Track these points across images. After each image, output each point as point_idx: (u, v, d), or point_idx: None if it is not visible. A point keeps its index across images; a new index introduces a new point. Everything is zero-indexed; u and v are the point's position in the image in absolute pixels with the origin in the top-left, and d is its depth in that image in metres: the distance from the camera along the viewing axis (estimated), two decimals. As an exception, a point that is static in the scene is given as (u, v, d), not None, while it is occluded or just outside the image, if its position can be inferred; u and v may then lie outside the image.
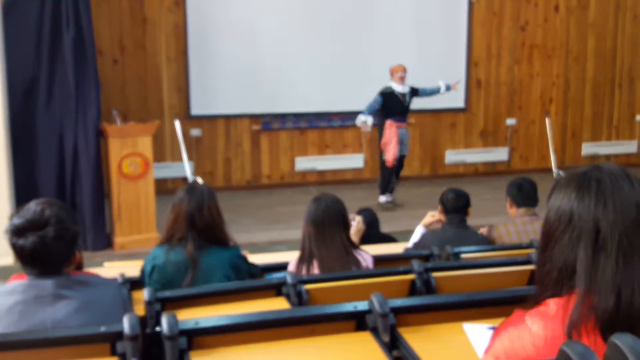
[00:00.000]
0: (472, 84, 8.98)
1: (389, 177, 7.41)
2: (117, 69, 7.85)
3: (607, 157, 9.43)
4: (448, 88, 7.50)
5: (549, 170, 7.95)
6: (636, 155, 9.61)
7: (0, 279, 5.00)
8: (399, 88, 7.18)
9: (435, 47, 8.66)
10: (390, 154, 7.22)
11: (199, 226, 2.89)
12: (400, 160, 7.39)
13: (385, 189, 7.42)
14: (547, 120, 8.10)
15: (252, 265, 3.11)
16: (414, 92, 7.31)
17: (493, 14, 8.90)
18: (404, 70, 7.19)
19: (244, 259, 3.06)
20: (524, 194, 3.99)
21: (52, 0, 5.91)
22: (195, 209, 2.89)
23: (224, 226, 2.99)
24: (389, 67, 7.28)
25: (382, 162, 7.34)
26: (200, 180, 6.57)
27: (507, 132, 9.18)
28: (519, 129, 9.23)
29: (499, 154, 9.20)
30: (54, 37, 5.95)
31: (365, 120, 7.18)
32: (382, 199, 7.43)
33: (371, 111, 7.19)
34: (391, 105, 7.19)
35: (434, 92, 7.51)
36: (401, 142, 7.26)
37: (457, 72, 8.81)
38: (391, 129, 7.21)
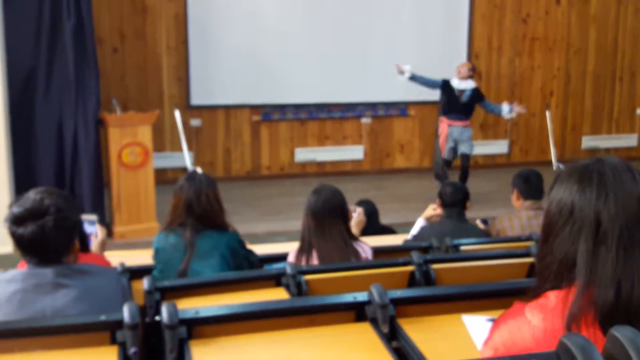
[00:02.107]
0: (473, 76, 8.95)
1: (440, 166, 7.37)
2: (117, 57, 7.83)
3: (607, 150, 9.43)
4: (510, 111, 7.21)
5: (549, 163, 7.94)
6: (636, 149, 9.62)
7: (0, 267, 5.01)
8: (455, 82, 7.08)
9: (436, 38, 8.64)
10: (442, 148, 7.26)
11: (196, 212, 3.01)
12: (462, 160, 7.19)
13: (439, 178, 7.36)
14: (547, 113, 8.09)
15: (250, 252, 3.17)
16: (479, 95, 7.12)
17: (494, 6, 8.88)
18: (469, 67, 7.08)
19: (242, 243, 3.13)
20: (531, 187, 3.99)
21: (51, -12, 5.90)
22: (194, 196, 3.01)
23: (222, 213, 3.09)
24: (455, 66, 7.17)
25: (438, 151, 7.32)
26: (200, 171, 6.57)
27: (507, 125, 9.17)
28: (519, 121, 9.21)
29: (499, 147, 9.20)
30: (54, 25, 5.93)
31: (407, 69, 7.01)
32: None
33: (423, 79, 7.09)
34: (449, 99, 7.12)
35: (496, 112, 7.32)
36: (452, 142, 7.14)
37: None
38: (442, 125, 7.23)
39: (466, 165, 7.23)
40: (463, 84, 7.08)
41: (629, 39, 9.41)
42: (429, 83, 7.15)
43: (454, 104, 7.11)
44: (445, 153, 7.23)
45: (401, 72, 7.00)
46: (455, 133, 7.15)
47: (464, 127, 7.16)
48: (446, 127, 7.18)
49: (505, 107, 7.24)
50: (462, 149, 7.15)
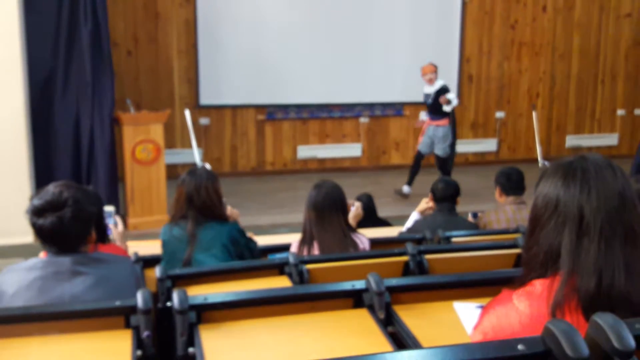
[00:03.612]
0: (464, 78, 8.95)
1: (412, 165, 7.38)
2: (131, 60, 7.82)
3: (590, 148, 9.41)
4: (447, 104, 7.02)
5: (535, 160, 7.95)
6: (617, 147, 9.61)
7: (22, 256, 5.02)
8: (426, 88, 7.12)
9: (430, 43, 8.61)
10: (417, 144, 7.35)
11: (197, 205, 3.01)
12: (435, 160, 7.24)
13: (409, 179, 7.37)
14: (534, 114, 8.09)
15: (250, 240, 3.17)
16: (443, 92, 7.01)
17: (485, 13, 8.86)
18: (431, 71, 7.04)
19: (242, 233, 3.12)
20: (513, 183, 3.99)
21: (70, -7, 5.89)
22: (194, 190, 3.01)
23: (221, 205, 3.09)
24: (420, 67, 7.15)
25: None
26: (208, 166, 6.57)
27: (496, 125, 9.17)
28: (507, 121, 9.21)
29: (488, 145, 9.20)
30: (72, 29, 5.92)
31: (452, 98, 7.01)
32: (405, 189, 7.36)
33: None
34: (424, 103, 7.23)
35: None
36: (430, 139, 7.17)
37: (450, 68, 8.79)
38: (425, 123, 7.31)
39: (439, 165, 7.25)
40: (430, 89, 7.08)
41: (610, 44, 9.39)
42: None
43: (427, 107, 7.21)
44: (421, 146, 7.27)
45: (447, 103, 6.93)
46: (431, 131, 7.19)
47: (437, 127, 7.14)
48: (426, 125, 7.27)
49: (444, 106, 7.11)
50: (436, 150, 7.20)
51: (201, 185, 3.00)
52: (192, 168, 3.14)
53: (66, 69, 5.97)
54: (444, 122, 7.09)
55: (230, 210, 3.45)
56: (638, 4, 9.05)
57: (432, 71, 7.05)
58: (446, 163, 7.25)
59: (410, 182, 7.36)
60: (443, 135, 7.10)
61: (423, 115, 7.43)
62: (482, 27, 8.88)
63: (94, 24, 5.93)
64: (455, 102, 7.02)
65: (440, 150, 7.15)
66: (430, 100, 7.08)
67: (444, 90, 7.01)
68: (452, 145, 7.27)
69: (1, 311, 1.90)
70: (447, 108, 7.01)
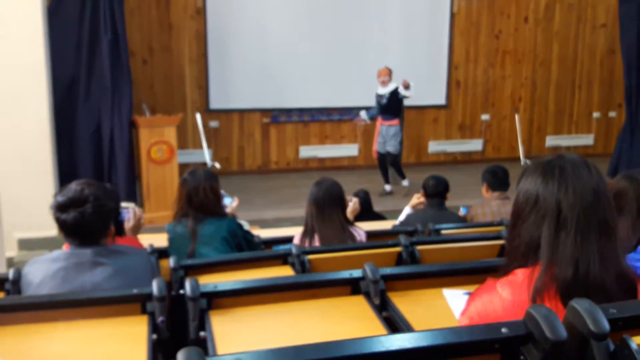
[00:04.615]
0: (452, 84, 8.93)
1: (379, 167, 7.36)
2: (146, 68, 7.81)
3: (568, 148, 9.40)
4: (405, 89, 6.94)
5: (518, 159, 7.93)
6: (593, 147, 9.59)
7: (46, 248, 5.03)
8: (379, 90, 7.12)
9: (421, 52, 8.61)
10: (373, 146, 7.30)
11: (196, 204, 2.99)
12: (387, 157, 7.19)
13: (385, 179, 7.35)
14: (516, 116, 8.07)
15: (248, 233, 3.15)
16: (396, 94, 7.01)
17: (471, 24, 8.84)
18: (386, 74, 7.03)
19: (240, 226, 3.11)
20: (498, 180, 3.98)
21: (91, 7, 5.88)
22: (193, 190, 2.99)
23: (219, 203, 3.06)
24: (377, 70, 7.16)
25: None
26: (218, 165, 6.57)
27: (482, 126, 9.16)
28: (492, 123, 9.20)
29: (475, 145, 9.18)
30: (93, 39, 5.92)
31: (363, 117, 7.30)
32: (387, 187, 7.34)
33: (372, 114, 7.28)
34: (376, 104, 7.20)
35: (400, 95, 7.08)
36: (383, 138, 7.15)
37: (440, 74, 8.79)
38: (376, 125, 7.27)
39: (391, 161, 7.20)
40: (384, 90, 7.06)
41: (587, 52, 9.37)
42: (375, 108, 7.24)
43: (379, 107, 7.16)
44: (378, 147, 7.23)
45: (407, 87, 6.94)
46: (383, 130, 7.17)
47: (389, 126, 7.12)
48: (378, 126, 7.24)
49: (400, 89, 6.98)
50: (387, 147, 7.15)
51: (199, 186, 2.98)
52: (192, 169, 3.12)
53: (88, 76, 5.97)
54: (395, 122, 7.10)
55: (231, 207, 3.46)
56: (612, 16, 9.02)
57: (386, 74, 7.05)
58: (398, 159, 7.25)
59: (387, 181, 7.36)
60: (394, 134, 7.11)
61: (363, 115, 7.32)
62: (469, 36, 8.87)
63: (114, 34, 5.93)
64: (412, 91, 6.96)
65: (391, 147, 7.14)
66: (384, 101, 7.05)
67: (398, 91, 6.99)
68: (401, 143, 7.29)
69: (28, 299, 1.91)
70: (405, 92, 6.94)
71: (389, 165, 7.31)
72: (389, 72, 7.07)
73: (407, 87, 6.94)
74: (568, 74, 9.35)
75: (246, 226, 3.38)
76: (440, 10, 8.65)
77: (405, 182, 7.38)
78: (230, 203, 3.51)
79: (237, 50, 8.01)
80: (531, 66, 9.19)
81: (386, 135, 7.14)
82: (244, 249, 3.06)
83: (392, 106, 7.06)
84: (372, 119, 7.40)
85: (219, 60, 7.99)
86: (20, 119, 5.36)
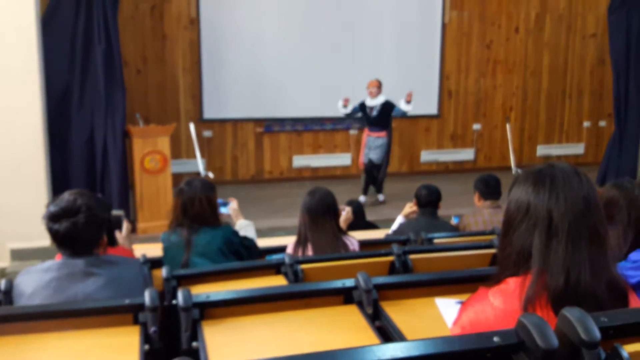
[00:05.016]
0: (444, 94, 8.98)
1: (363, 178, 7.27)
2: (140, 78, 7.81)
3: (559, 157, 9.45)
4: (407, 102, 7.00)
5: (509, 168, 7.97)
6: (583, 156, 9.65)
7: (39, 258, 4.99)
8: (367, 101, 7.05)
9: (413, 61, 8.65)
10: (360, 158, 7.24)
11: (191, 214, 2.96)
12: (375, 167, 7.11)
13: (363, 190, 7.26)
14: (507, 126, 8.12)
15: (244, 238, 3.12)
16: (387, 107, 7.00)
17: (463, 34, 8.90)
18: (375, 85, 7.00)
19: (236, 233, 3.08)
20: (490, 189, 3.99)
21: (85, 16, 5.87)
22: (188, 201, 2.96)
23: (215, 214, 3.03)
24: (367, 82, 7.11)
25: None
26: (211, 175, 6.56)
27: (474, 136, 9.20)
28: (483, 133, 9.24)
29: (467, 154, 9.22)
30: (87, 48, 5.91)
31: (342, 104, 7.11)
32: (361, 198, 7.25)
33: (351, 110, 7.13)
34: (364, 116, 7.14)
35: (402, 114, 7.14)
36: (369, 149, 7.09)
37: (431, 84, 8.83)
38: (363, 135, 7.22)
39: (369, 168, 7.12)
40: (374, 102, 7.01)
41: (577, 62, 9.44)
42: (355, 110, 7.13)
43: (368, 119, 7.09)
44: (364, 158, 7.14)
45: (345, 106, 7.04)
46: (371, 142, 7.10)
47: (377, 137, 7.07)
48: (365, 137, 7.17)
49: (402, 103, 7.01)
50: (371, 155, 7.09)
51: (195, 197, 2.95)
52: (189, 179, 3.09)
53: (82, 85, 5.95)
54: (383, 134, 7.07)
55: (233, 210, 3.47)
56: (602, 26, 9.11)
57: (376, 85, 7.01)
58: (378, 169, 7.14)
59: (380, 190, 7.33)
60: (380, 145, 7.06)
61: (340, 104, 7.13)
62: (461, 46, 8.92)
63: (107, 44, 5.92)
64: (412, 105, 7.01)
65: (374, 155, 7.07)
66: (375, 113, 7.00)
67: (389, 104, 6.99)
68: (388, 156, 7.21)
69: (20, 309, 1.89)
70: (407, 107, 6.95)
71: (364, 172, 7.19)
72: (379, 85, 7.04)
73: (409, 101, 6.94)
74: (558, 83, 9.42)
75: (250, 231, 3.37)
76: (432, 20, 8.70)
77: (380, 197, 7.33)
78: (227, 212, 3.51)
79: (231, 60, 8.03)
80: (522, 76, 9.25)
81: (372, 146, 7.08)
82: (243, 254, 3.04)
83: (382, 118, 7.03)
84: (349, 115, 7.23)
85: (212, 70, 8.00)
86: (14, 129, 5.34)
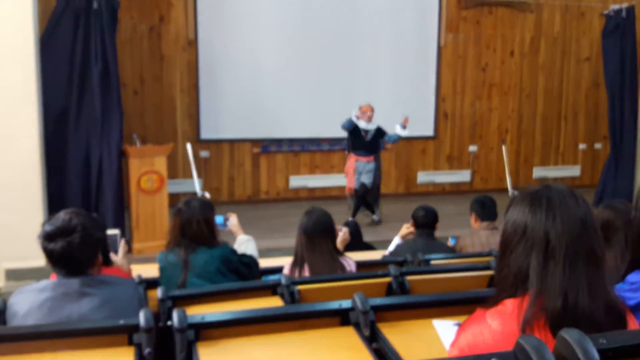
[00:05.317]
0: (440, 115, 9.03)
1: (353, 203, 7.19)
2: (137, 98, 7.84)
3: (554, 179, 9.47)
4: (403, 127, 7.06)
5: (505, 190, 7.97)
6: (579, 178, 9.68)
7: (34, 279, 4.95)
8: (362, 124, 6.96)
9: (409, 84, 8.72)
10: (348, 184, 7.16)
11: (189, 235, 2.94)
12: (360, 187, 7.01)
13: (353, 214, 7.13)
14: (503, 148, 8.15)
15: (243, 256, 3.10)
16: (380, 133, 7.01)
17: (458, 57, 8.98)
18: (371, 110, 6.97)
19: (234, 252, 3.06)
20: (487, 210, 3.99)
21: (83, 38, 5.91)
22: (186, 222, 2.95)
23: (213, 235, 3.01)
24: (359, 105, 7.05)
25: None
26: (207, 195, 6.55)
27: (470, 157, 9.23)
28: (479, 154, 9.28)
29: (463, 176, 9.24)
30: (84, 69, 5.93)
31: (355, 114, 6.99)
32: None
33: (350, 124, 6.99)
34: (354, 139, 7.04)
35: (397, 138, 7.14)
36: (359, 173, 7.01)
37: (428, 106, 8.89)
38: (350, 161, 7.12)
39: (361, 192, 7.05)
40: (369, 126, 6.98)
41: (572, 85, 9.53)
42: (349, 127, 7.02)
43: (360, 143, 7.01)
44: (355, 184, 7.05)
45: (358, 118, 6.94)
46: (361, 167, 7.02)
47: (367, 162, 7.03)
48: (354, 163, 7.06)
49: (397, 128, 7.03)
50: (362, 178, 7.01)
51: (193, 218, 2.94)
52: (188, 198, 3.08)
53: (78, 106, 5.96)
54: (372, 158, 7.03)
55: (232, 226, 3.45)
56: (596, 49, 9.21)
57: (372, 110, 6.99)
58: (369, 193, 7.09)
59: (373, 211, 7.27)
60: (371, 168, 7.03)
61: (354, 117, 6.95)
62: (456, 69, 9.00)
63: (104, 65, 5.95)
64: (407, 131, 7.04)
65: (366, 179, 7.01)
66: (369, 137, 6.98)
67: (381, 130, 6.99)
68: (380, 178, 7.18)
69: (14, 330, 1.87)
70: (403, 132, 6.98)
71: (355, 196, 7.12)
72: (373, 110, 7.04)
73: (405, 126, 6.96)
74: (554, 106, 9.49)
75: (251, 246, 3.35)
76: (428, 43, 8.79)
77: (376, 217, 7.28)
78: (227, 228, 3.48)
79: (228, 81, 8.08)
80: (517, 98, 9.32)
81: (363, 170, 7.01)
82: (243, 272, 3.02)
83: (374, 143, 7.03)
84: (348, 126, 7.02)
85: (210, 90, 8.04)
86: (11, 149, 5.33)
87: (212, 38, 7.99)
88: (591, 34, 9.38)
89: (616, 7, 7.76)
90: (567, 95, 9.53)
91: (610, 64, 7.84)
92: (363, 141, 7.03)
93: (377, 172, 7.15)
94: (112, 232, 3.02)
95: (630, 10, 7.68)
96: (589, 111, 9.63)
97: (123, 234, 5.92)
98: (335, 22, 8.35)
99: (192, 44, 7.96)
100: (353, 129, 7.02)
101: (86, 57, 5.92)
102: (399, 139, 7.18)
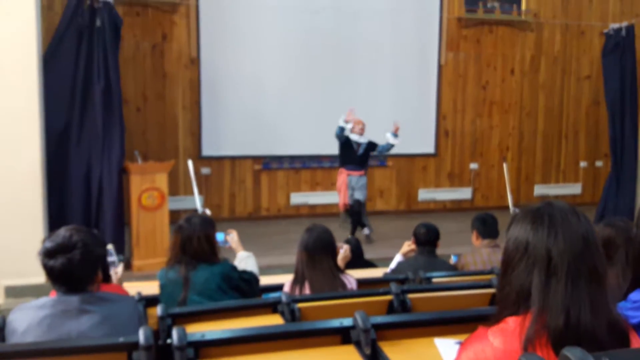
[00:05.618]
0: (441, 133, 9.05)
1: (349, 220, 7.15)
2: (140, 115, 7.87)
3: (556, 197, 9.46)
4: (394, 135, 7.07)
5: (507, 207, 7.97)
6: (580, 196, 9.67)
7: (33, 296, 4.93)
8: (353, 137, 6.96)
9: (410, 102, 8.75)
10: (340, 200, 7.14)
11: (189, 252, 2.94)
12: (354, 204, 6.99)
13: (352, 231, 7.05)
14: (504, 165, 8.16)
15: (243, 272, 3.09)
16: (371, 147, 7.01)
17: (459, 75, 9.03)
18: (363, 124, 6.98)
19: (234, 268, 3.05)
20: (488, 227, 3.98)
21: (85, 55, 5.95)
22: (187, 238, 2.95)
23: (213, 252, 3.00)
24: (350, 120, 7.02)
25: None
26: (208, 212, 6.54)
27: (471, 175, 9.23)
28: (480, 172, 9.28)
29: (464, 193, 9.23)
30: (86, 87, 5.97)
31: (344, 119, 6.95)
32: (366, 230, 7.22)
33: (342, 133, 6.97)
34: (346, 152, 7.02)
35: (389, 147, 7.12)
36: (352, 189, 6.98)
37: (428, 123, 8.92)
38: (342, 176, 7.09)
39: (358, 209, 7.04)
40: (361, 139, 6.99)
41: (572, 103, 9.57)
42: (341, 137, 7.00)
43: (351, 156, 7.00)
44: (348, 199, 7.03)
45: (347, 122, 6.92)
46: (353, 181, 7.00)
47: (360, 177, 7.02)
48: (346, 177, 7.04)
49: (389, 136, 7.02)
50: (356, 195, 6.99)
51: (194, 235, 2.94)
52: (189, 215, 3.08)
53: (80, 123, 5.99)
54: (363, 172, 7.04)
55: (233, 242, 3.45)
56: (596, 68, 9.26)
57: (363, 124, 7.00)
58: (363, 208, 7.09)
59: (364, 225, 7.23)
60: (364, 183, 7.03)
61: (342, 122, 6.93)
62: (457, 87, 9.04)
63: (107, 83, 5.99)
64: (400, 139, 7.03)
65: (362, 195, 7.00)
66: (361, 151, 6.98)
67: (373, 144, 7.00)
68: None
69: (13, 347, 1.86)
70: (395, 140, 6.98)
71: (350, 214, 7.11)
72: (364, 123, 7.05)
73: (396, 132, 6.96)
74: (554, 124, 9.52)
75: (251, 262, 3.34)
76: (428, 62, 8.85)
77: (366, 230, 7.25)
78: (228, 245, 3.49)
79: (230, 98, 8.12)
80: (518, 116, 9.35)
81: (356, 185, 6.99)
82: (244, 289, 3.01)
83: (365, 157, 7.04)
84: (340, 135, 6.98)
85: (211, 108, 8.07)
86: (13, 165, 5.35)
87: (214, 56, 8.05)
88: (591, 52, 9.44)
89: (616, 25, 7.82)
90: (567, 113, 9.56)
91: (610, 82, 7.88)
92: (354, 155, 7.02)
93: (366, 187, 7.16)
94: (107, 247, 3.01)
95: (630, 29, 7.74)
96: (589, 129, 9.65)
97: (122, 252, 5.92)
98: (337, 40, 8.41)
99: (195, 61, 8.02)
100: (345, 142, 7.03)
101: (89, 74, 5.96)
102: (391, 147, 7.14)
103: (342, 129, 6.99)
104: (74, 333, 1.95)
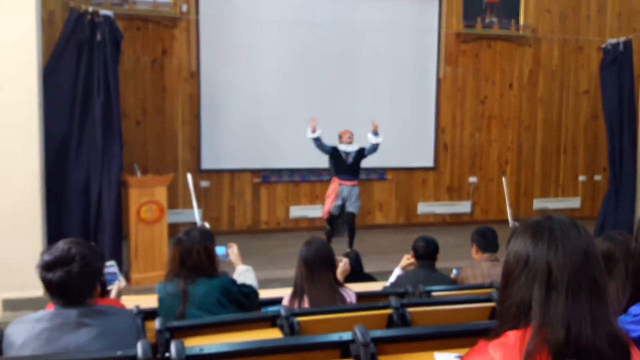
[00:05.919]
0: (440, 147, 9.07)
1: (326, 227, 7.13)
2: (139, 129, 7.89)
3: (555, 211, 9.46)
4: (375, 134, 6.96)
5: (506, 221, 7.96)
6: (580, 210, 9.67)
7: (31, 309, 4.90)
8: (342, 147, 6.94)
9: (409, 115, 8.78)
10: (325, 207, 7.09)
11: (188, 265, 2.93)
12: (348, 217, 6.95)
13: (328, 238, 6.98)
14: (503, 179, 8.17)
15: (243, 286, 3.08)
16: (361, 153, 6.99)
17: (457, 89, 9.07)
18: (351, 134, 6.98)
19: (233, 282, 3.04)
20: (488, 241, 3.97)
21: (85, 69, 5.98)
22: (186, 252, 2.94)
23: (212, 265, 2.99)
24: (338, 133, 7.05)
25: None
26: (207, 225, 6.53)
27: (470, 189, 9.24)
28: (479, 186, 9.29)
29: (463, 207, 9.23)
30: (86, 100, 5.99)
31: (310, 130, 6.89)
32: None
33: (321, 144, 6.91)
34: (336, 162, 6.99)
35: (374, 148, 7.02)
36: (343, 200, 6.93)
37: (427, 137, 8.94)
38: (333, 184, 7.06)
39: (352, 223, 7.00)
40: (349, 148, 6.97)
41: (571, 117, 9.60)
42: (323, 148, 6.98)
43: (342, 166, 6.96)
44: (332, 208, 7.00)
45: (313, 131, 6.87)
46: (345, 192, 6.95)
47: (352, 187, 6.98)
48: (337, 186, 7.00)
49: (370, 136, 6.97)
50: (349, 208, 6.94)
51: (193, 248, 2.93)
52: (188, 229, 3.07)
53: (79, 137, 6.00)
54: (356, 182, 7.01)
55: (232, 255, 3.44)
56: (594, 82, 9.30)
57: (352, 134, 6.99)
58: (348, 222, 7.03)
59: (352, 244, 7.10)
60: (356, 194, 6.99)
61: (309, 134, 6.92)
62: (455, 101, 9.08)
63: (106, 96, 6.01)
64: (382, 137, 6.94)
65: (354, 207, 6.97)
66: (351, 160, 6.95)
67: (363, 150, 6.97)
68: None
69: (9, 361, 1.85)
70: (376, 139, 6.90)
71: (348, 227, 7.06)
72: (352, 133, 7.04)
73: (376, 130, 6.89)
74: (553, 138, 9.54)
75: (250, 276, 3.33)
76: (427, 76, 8.89)
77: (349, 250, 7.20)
78: (228, 258, 3.49)
79: (229, 112, 8.14)
80: (517, 130, 9.38)
81: (349, 196, 6.94)
82: (243, 302, 2.99)
83: (356, 166, 7.00)
84: (319, 144, 6.95)
85: (211, 121, 8.09)
86: (12, 178, 5.34)
87: (214, 70, 8.08)
88: (589, 67, 9.49)
89: (613, 41, 7.87)
90: (566, 127, 9.59)
91: (608, 96, 7.91)
92: (345, 164, 6.98)
93: (358, 198, 7.09)
94: (108, 263, 3.01)
95: (628, 43, 7.79)
96: (588, 143, 9.68)
97: (120, 265, 5.89)
98: (336, 54, 8.45)
99: (194, 75, 8.05)
100: (333, 152, 7.00)
101: (88, 88, 5.98)
102: (377, 146, 7.06)
103: (316, 140, 6.93)
104: (72, 346, 1.94)
